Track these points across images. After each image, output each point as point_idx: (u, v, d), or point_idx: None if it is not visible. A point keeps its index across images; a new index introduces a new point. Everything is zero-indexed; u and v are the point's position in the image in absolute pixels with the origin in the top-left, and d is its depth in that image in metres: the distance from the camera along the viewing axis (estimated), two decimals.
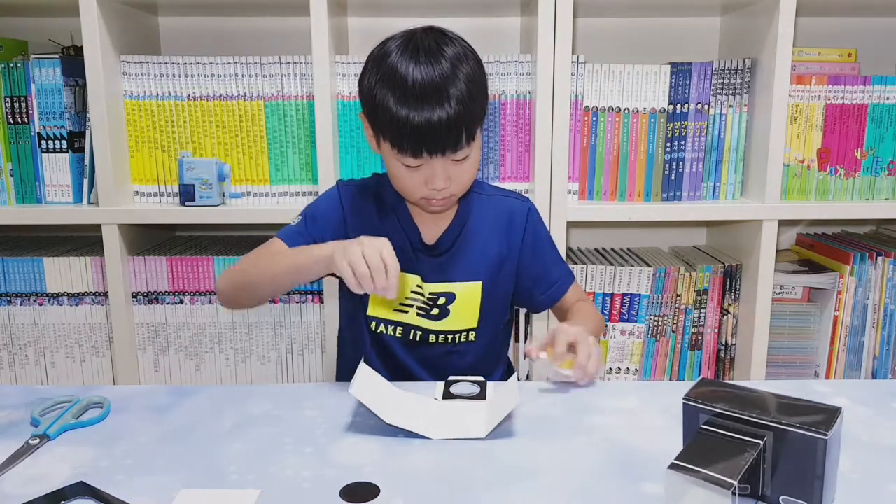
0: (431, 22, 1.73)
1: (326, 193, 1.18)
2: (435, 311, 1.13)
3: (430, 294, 1.13)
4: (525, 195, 1.25)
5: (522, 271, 1.18)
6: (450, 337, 1.15)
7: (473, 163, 1.06)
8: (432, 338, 1.14)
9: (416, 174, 1.02)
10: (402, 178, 1.04)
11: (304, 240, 1.09)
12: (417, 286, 1.12)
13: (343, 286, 1.20)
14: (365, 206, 1.14)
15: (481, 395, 0.96)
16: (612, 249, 1.80)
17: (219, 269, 1.59)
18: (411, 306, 1.13)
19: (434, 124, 0.97)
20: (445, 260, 1.13)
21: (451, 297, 1.13)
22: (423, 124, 0.97)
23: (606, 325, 1.62)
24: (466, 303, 1.14)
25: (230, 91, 1.53)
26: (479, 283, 1.14)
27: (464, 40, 1.05)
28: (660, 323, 1.62)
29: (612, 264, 1.62)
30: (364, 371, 0.93)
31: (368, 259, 0.91)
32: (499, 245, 1.15)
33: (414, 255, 1.12)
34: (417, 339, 1.14)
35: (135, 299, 1.59)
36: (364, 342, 1.16)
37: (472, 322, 1.15)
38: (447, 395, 0.97)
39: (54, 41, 1.67)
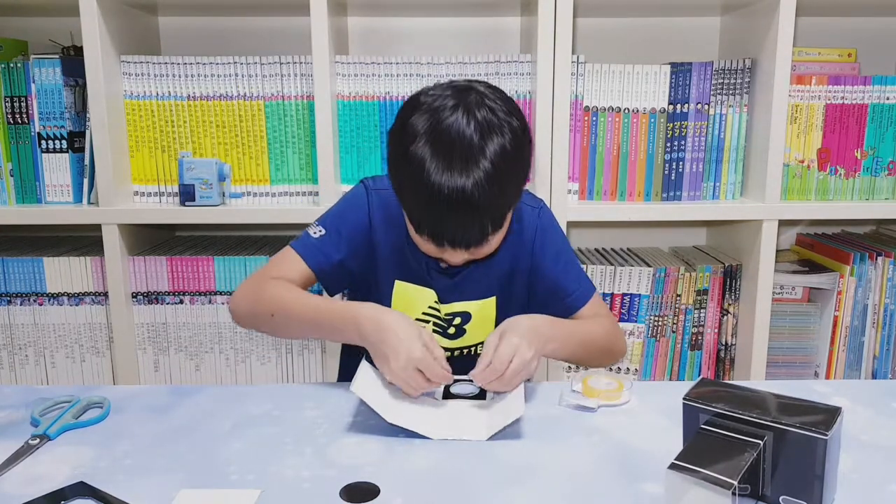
0: (432, 22, 1.75)
1: (354, 198, 1.10)
2: (451, 331, 1.11)
3: (446, 314, 1.10)
4: (539, 197, 1.18)
5: (535, 278, 1.11)
6: (465, 351, 1.13)
7: (499, 239, 0.97)
8: (448, 354, 1.11)
9: (431, 244, 0.95)
10: (414, 237, 0.98)
11: (323, 257, 1.05)
12: (435, 303, 1.09)
13: (352, 294, 1.19)
14: (393, 217, 1.06)
15: (481, 395, 0.96)
16: (612, 249, 1.80)
17: (219, 269, 1.59)
18: (427, 322, 1.10)
19: (455, 227, 0.90)
20: (459, 280, 1.09)
21: (466, 317, 1.10)
22: (446, 217, 0.89)
23: None
24: (482, 319, 1.11)
25: (230, 91, 1.53)
26: (493, 299, 1.10)
27: (505, 107, 0.92)
28: (660, 323, 1.62)
29: (612, 264, 1.62)
30: (365, 369, 0.93)
31: (412, 384, 0.90)
32: (510, 255, 1.09)
33: (428, 274, 1.09)
34: None
35: (135, 299, 1.59)
36: None
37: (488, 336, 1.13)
38: (447, 394, 0.97)
39: (54, 41, 1.66)
